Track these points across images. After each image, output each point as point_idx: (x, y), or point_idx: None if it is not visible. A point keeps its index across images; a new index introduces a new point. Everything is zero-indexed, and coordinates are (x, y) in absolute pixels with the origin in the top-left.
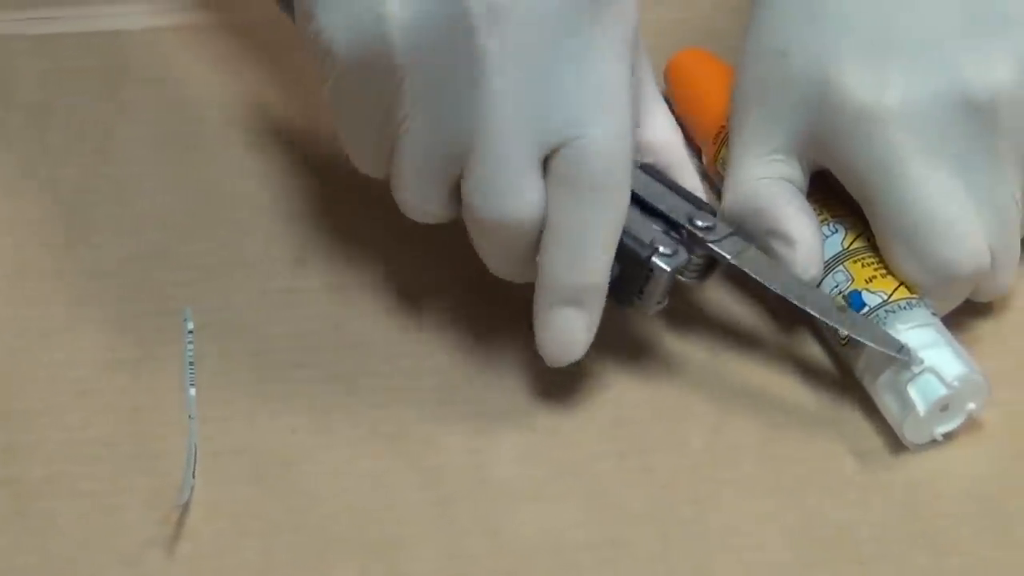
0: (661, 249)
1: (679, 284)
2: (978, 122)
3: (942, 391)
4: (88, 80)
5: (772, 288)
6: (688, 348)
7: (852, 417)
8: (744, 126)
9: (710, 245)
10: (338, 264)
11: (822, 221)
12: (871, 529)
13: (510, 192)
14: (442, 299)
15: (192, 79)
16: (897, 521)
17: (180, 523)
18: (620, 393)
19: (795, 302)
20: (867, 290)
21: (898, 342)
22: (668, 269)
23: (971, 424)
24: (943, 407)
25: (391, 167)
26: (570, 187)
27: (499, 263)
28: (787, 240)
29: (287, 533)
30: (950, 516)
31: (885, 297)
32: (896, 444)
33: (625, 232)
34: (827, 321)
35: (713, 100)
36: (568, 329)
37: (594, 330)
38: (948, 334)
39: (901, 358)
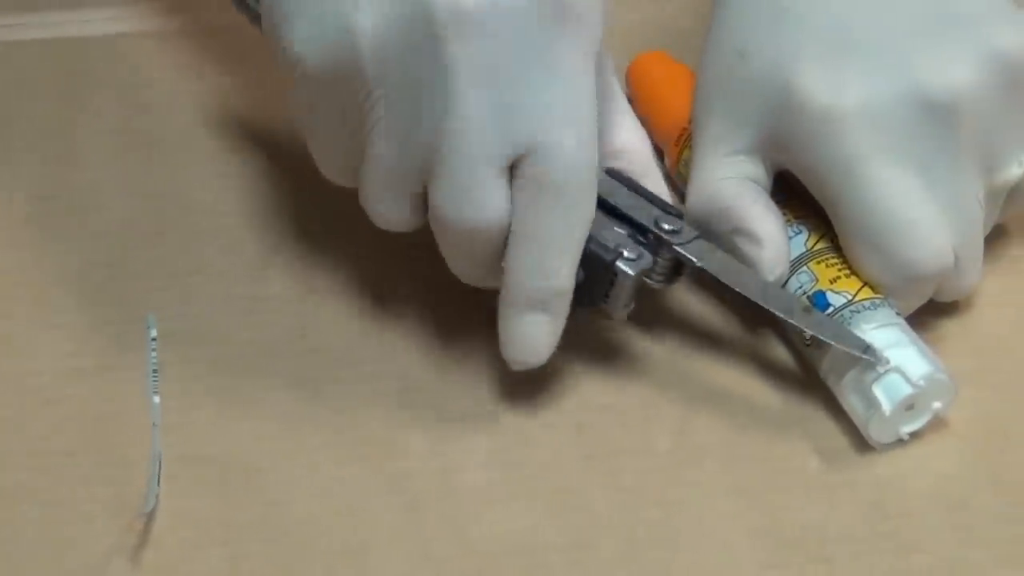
0: (625, 253)
1: (646, 287)
2: (938, 122)
3: (907, 390)
4: (50, 87)
5: (738, 290)
6: (654, 349)
7: (817, 417)
8: (707, 127)
9: (676, 248)
10: (302, 270)
11: (785, 222)
12: (837, 528)
13: (476, 198)
14: (407, 304)
15: (155, 85)
16: (863, 520)
17: (145, 531)
18: (586, 395)
19: (761, 303)
20: (831, 290)
21: (863, 342)
22: (632, 273)
23: (937, 423)
24: (908, 406)
25: (359, 176)
26: (535, 193)
27: (465, 268)
28: (753, 239)
29: (253, 541)
30: (916, 515)
31: (849, 297)
32: (862, 444)
33: (590, 237)
34: (792, 322)
35: (674, 103)
36: (533, 334)
37: (559, 334)
38: (913, 333)
39: (867, 358)
